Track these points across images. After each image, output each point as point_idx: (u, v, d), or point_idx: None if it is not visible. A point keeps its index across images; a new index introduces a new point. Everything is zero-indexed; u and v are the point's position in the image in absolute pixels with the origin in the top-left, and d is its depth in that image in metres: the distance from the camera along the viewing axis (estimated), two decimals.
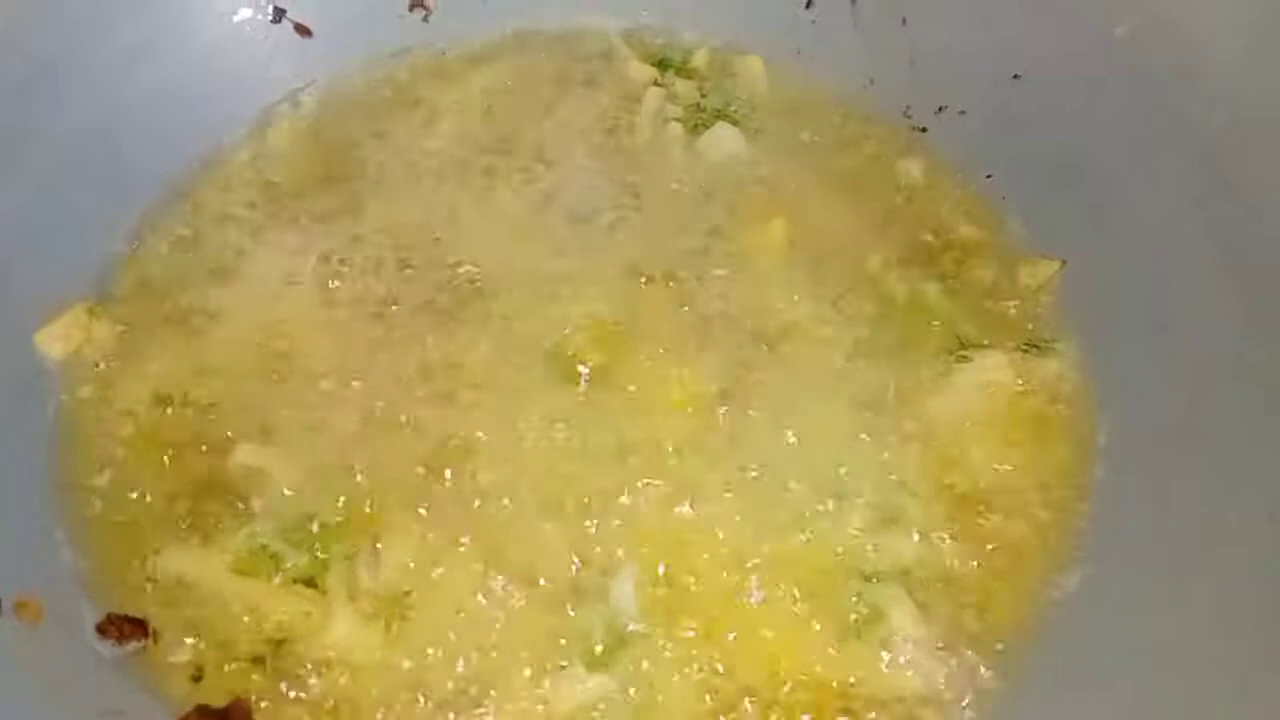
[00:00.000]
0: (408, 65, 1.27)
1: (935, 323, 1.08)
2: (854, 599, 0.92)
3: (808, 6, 1.27)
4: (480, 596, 0.91)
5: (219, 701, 0.88)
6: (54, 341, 1.03)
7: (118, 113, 1.12)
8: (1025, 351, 1.06)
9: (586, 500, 0.96)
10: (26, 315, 1.03)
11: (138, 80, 1.14)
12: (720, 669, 0.89)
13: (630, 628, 0.90)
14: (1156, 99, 1.06)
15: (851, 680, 0.89)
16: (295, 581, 0.92)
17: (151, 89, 1.15)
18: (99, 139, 1.11)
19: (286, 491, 0.96)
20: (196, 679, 0.89)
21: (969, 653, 0.91)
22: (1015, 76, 1.16)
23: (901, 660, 0.90)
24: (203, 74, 1.19)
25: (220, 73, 1.20)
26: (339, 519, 0.95)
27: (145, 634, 0.90)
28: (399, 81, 1.26)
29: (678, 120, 1.21)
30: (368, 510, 0.95)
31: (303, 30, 1.25)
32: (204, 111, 1.18)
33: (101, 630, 0.90)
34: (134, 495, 0.97)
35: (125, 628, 0.90)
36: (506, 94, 1.24)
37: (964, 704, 0.89)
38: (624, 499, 0.96)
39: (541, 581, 0.92)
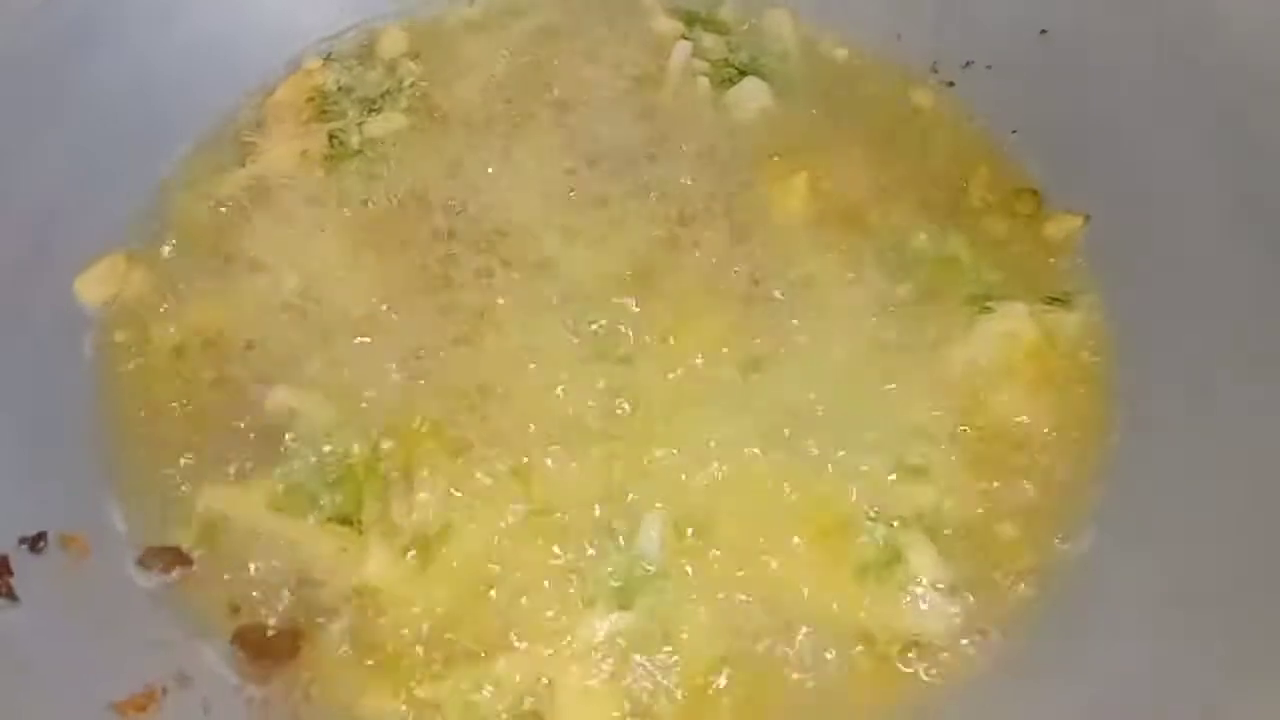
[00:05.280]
0: (436, 16, 1.28)
1: (959, 275, 1.08)
2: (876, 543, 0.93)
3: None
4: (510, 534, 0.94)
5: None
6: (93, 287, 1.06)
7: (154, 64, 1.14)
8: (1048, 304, 1.06)
9: (614, 446, 0.97)
10: (66, 261, 1.06)
11: (173, 31, 1.16)
12: (742, 608, 0.91)
13: (655, 569, 0.92)
14: (1182, 57, 1.06)
15: (871, 619, 0.91)
16: (331, 520, 0.94)
17: (186, 40, 1.17)
18: (136, 89, 1.12)
19: (322, 431, 0.98)
20: (235, 611, 0.91)
21: (986, 598, 0.93)
22: (1042, 32, 1.16)
23: (921, 604, 0.92)
24: (236, 25, 1.20)
25: (252, 24, 1.21)
26: (373, 458, 0.97)
27: (185, 561, 0.93)
28: (428, 32, 1.26)
29: (705, 75, 1.21)
30: (401, 450, 0.97)
31: None
32: (238, 62, 1.20)
33: (143, 563, 0.93)
34: (172, 435, 0.99)
35: (167, 557, 0.93)
36: (534, 46, 1.25)
37: (979, 647, 0.91)
38: (650, 446, 0.97)
39: (570, 522, 0.94)
